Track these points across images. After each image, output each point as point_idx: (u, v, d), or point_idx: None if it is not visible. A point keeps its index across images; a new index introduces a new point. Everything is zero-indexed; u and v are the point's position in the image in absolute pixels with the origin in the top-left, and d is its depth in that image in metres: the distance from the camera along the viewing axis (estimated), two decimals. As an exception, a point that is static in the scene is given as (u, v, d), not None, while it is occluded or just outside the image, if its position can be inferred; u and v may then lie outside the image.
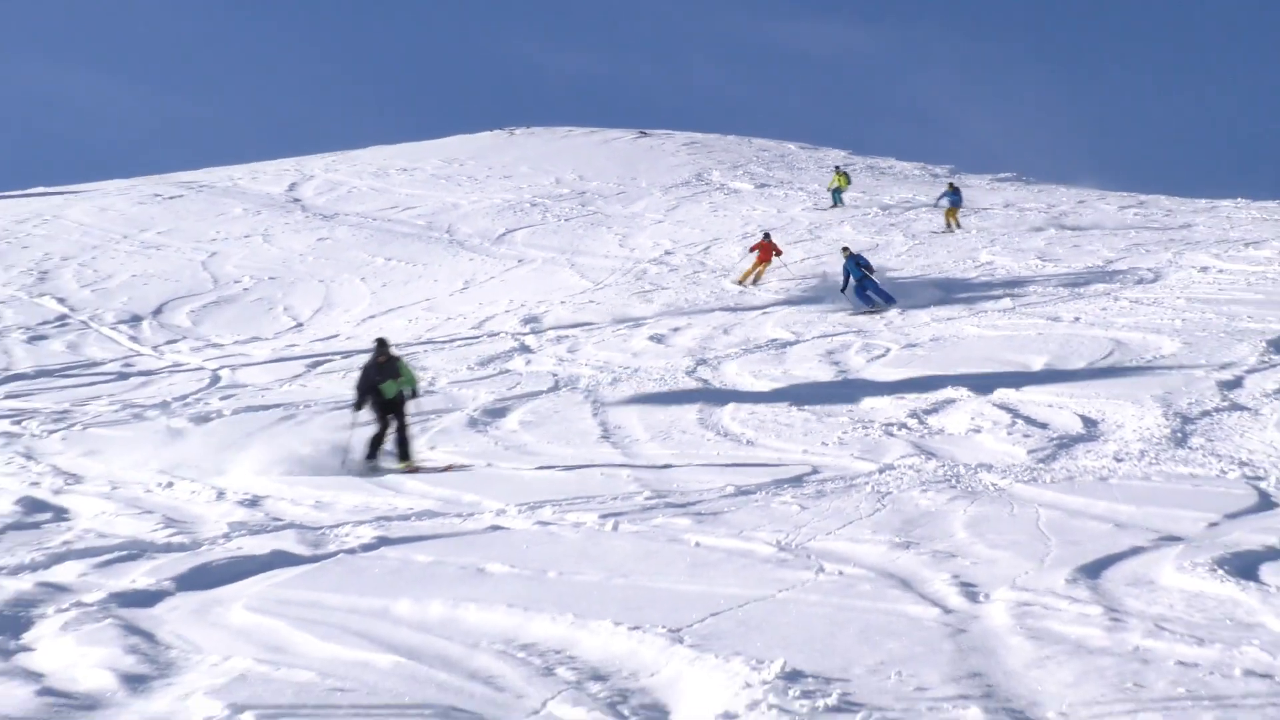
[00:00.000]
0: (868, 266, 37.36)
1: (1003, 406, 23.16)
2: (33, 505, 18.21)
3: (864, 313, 35.99)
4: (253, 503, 18.48)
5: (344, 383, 30.10)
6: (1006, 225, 49.70)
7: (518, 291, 43.19)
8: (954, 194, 51.28)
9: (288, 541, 15.64)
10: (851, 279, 37.09)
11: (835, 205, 57.02)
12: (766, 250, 42.87)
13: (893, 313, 34.96)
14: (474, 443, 23.18)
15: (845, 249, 39.19)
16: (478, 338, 36.18)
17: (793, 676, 9.64)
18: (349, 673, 10.09)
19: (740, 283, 41.95)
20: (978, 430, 21.69)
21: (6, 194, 71.59)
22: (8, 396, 30.30)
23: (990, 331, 30.84)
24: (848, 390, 25.87)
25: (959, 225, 49.99)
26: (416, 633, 11.34)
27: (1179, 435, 20.53)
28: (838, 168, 61.01)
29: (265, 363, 34.78)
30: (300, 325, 41.50)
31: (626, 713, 9.24)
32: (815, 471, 19.34)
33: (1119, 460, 18.99)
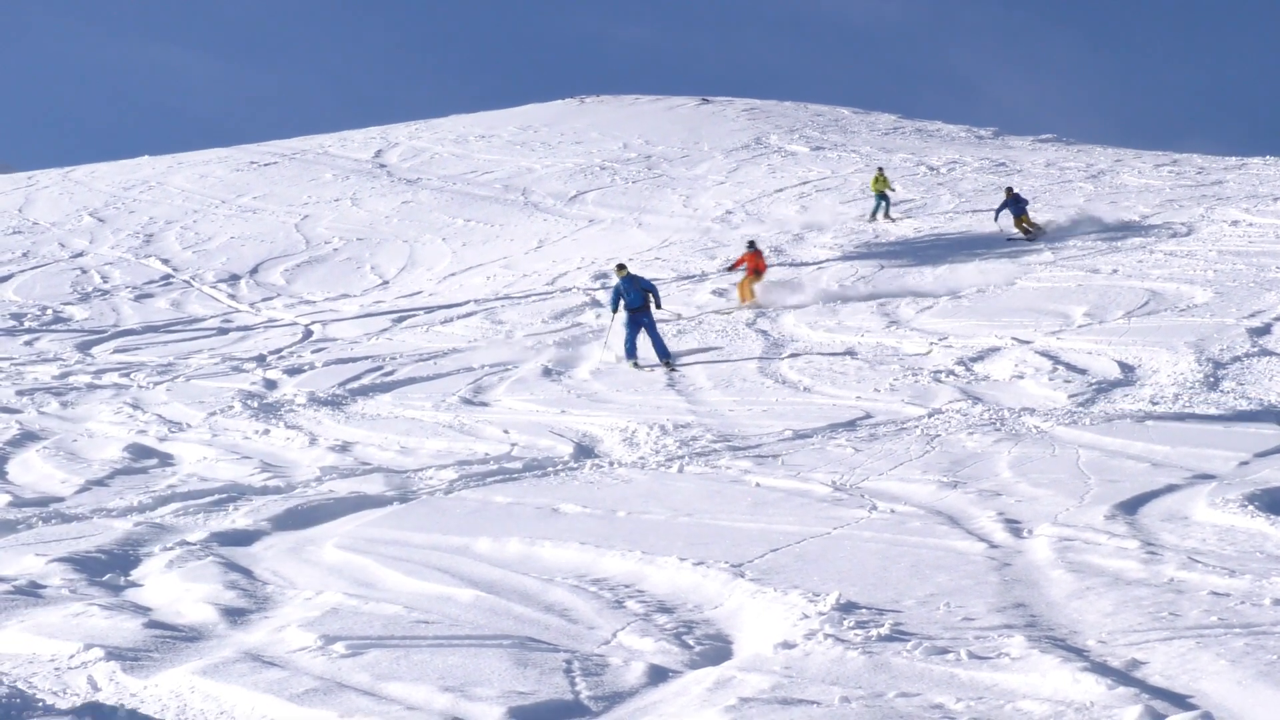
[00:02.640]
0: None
1: (1044, 354, 23.04)
2: (140, 451, 18.33)
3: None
4: (343, 448, 18.56)
5: (426, 336, 30.23)
6: (1048, 183, 49.26)
7: (588, 250, 43.14)
8: (1015, 202, 39.97)
9: (375, 484, 15.72)
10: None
11: (876, 215, 44.49)
12: (752, 261, 33.45)
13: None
14: (548, 391, 23.21)
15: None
16: (551, 293, 36.22)
17: (847, 608, 9.60)
18: (433, 606, 10.12)
19: (744, 304, 32.53)
20: (1021, 376, 21.59)
21: (115, 163, 72.03)
22: (117, 351, 30.53)
23: (1032, 283, 30.65)
24: (900, 339, 25.77)
25: (1035, 227, 39.57)
26: (495, 569, 11.36)
27: (1211, 380, 20.37)
28: (880, 170, 47.33)
29: (354, 318, 34.91)
30: (386, 283, 41.61)
31: (691, 643, 9.24)
32: (868, 416, 19.29)
33: (1154, 403, 18.87)
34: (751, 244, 34.68)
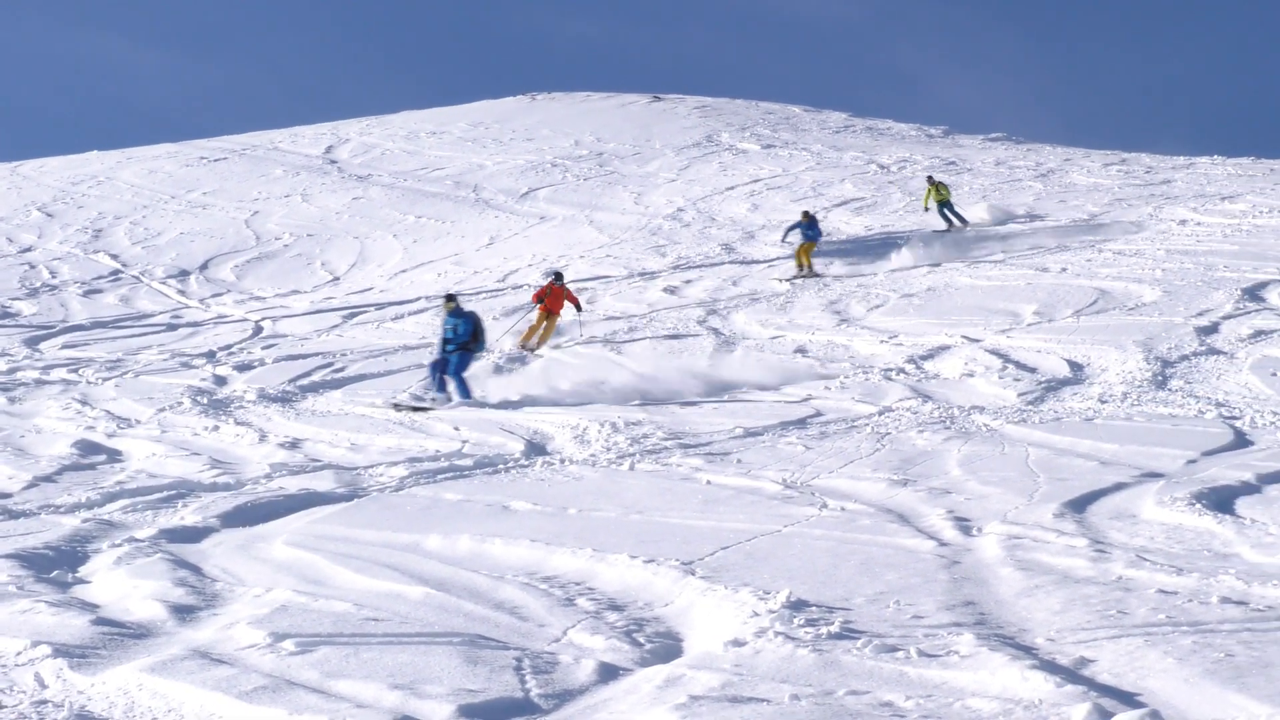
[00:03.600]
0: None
1: (994, 352, 23.16)
2: (88, 448, 18.20)
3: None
4: (293, 445, 18.48)
5: (377, 333, 30.12)
6: (997, 182, 49.49)
7: (539, 247, 43.14)
8: (809, 225, 35.92)
9: (325, 481, 15.64)
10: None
11: (950, 225, 41.34)
12: (556, 299, 28.69)
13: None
14: (499, 386, 23.17)
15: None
16: (503, 290, 36.19)
17: (797, 606, 9.61)
18: (382, 604, 10.08)
19: (523, 346, 28.17)
20: (971, 374, 21.68)
21: (63, 156, 71.56)
22: (65, 346, 30.33)
23: (982, 281, 30.78)
24: (848, 337, 25.83)
25: (810, 267, 35.23)
26: (445, 566, 11.32)
27: (1159, 378, 20.50)
28: (930, 178, 44.03)
29: (304, 314, 34.79)
30: (337, 279, 41.50)
31: (642, 640, 9.22)
32: (818, 414, 19.33)
33: (1103, 402, 18.96)
34: (558, 276, 29.28)
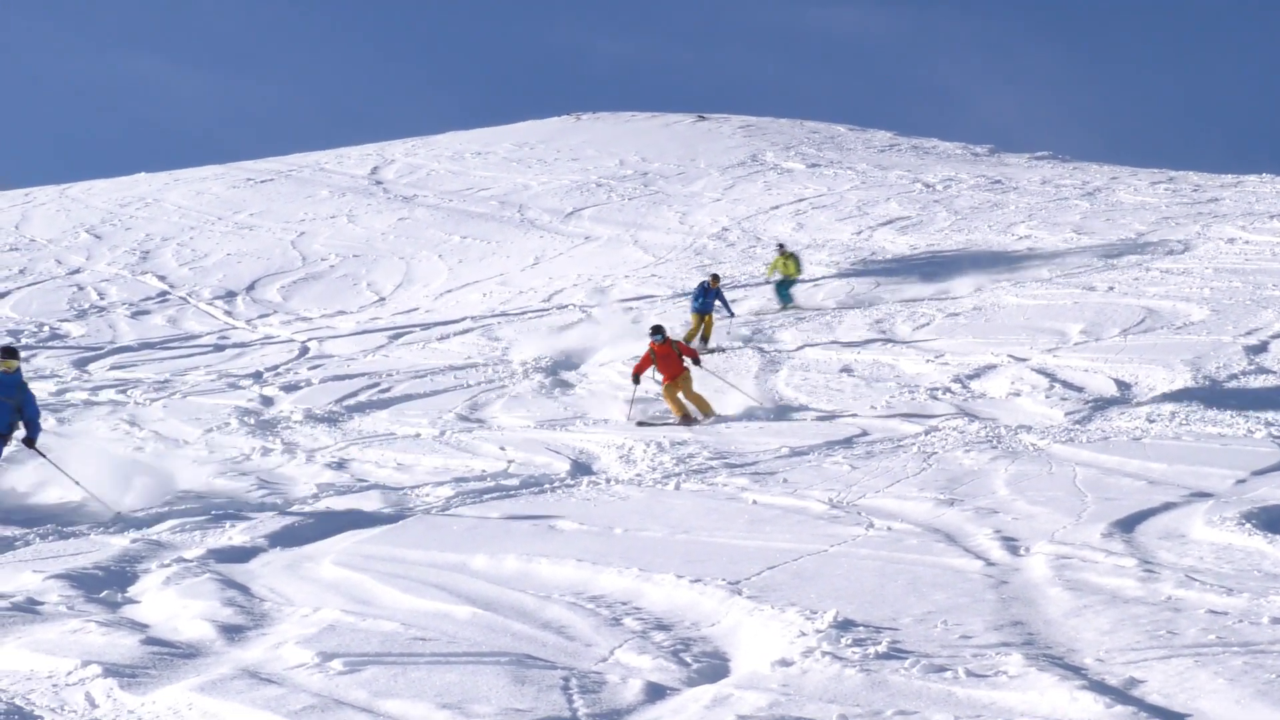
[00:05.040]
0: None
1: (1041, 371, 23.04)
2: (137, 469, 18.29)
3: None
4: (339, 465, 18.56)
5: (423, 353, 30.20)
6: (1043, 201, 49.32)
7: (585, 267, 43.16)
8: (702, 296, 30.31)
9: (372, 501, 15.72)
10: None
11: (783, 304, 34.48)
12: (670, 362, 22.91)
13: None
14: (544, 408, 23.22)
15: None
16: (548, 310, 36.21)
17: (845, 625, 9.60)
18: (430, 623, 10.11)
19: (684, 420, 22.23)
20: (1017, 394, 21.60)
21: (111, 179, 72.02)
22: (114, 368, 30.48)
23: (1029, 300, 30.65)
24: (894, 356, 25.77)
25: (706, 341, 29.81)
26: (492, 586, 11.35)
27: (1208, 398, 20.38)
28: (781, 246, 37.04)
29: (350, 335, 34.88)
30: (382, 300, 41.59)
31: (689, 660, 9.23)
32: (864, 433, 19.30)
33: (1151, 421, 18.86)
34: (655, 330, 23.32)
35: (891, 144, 72.76)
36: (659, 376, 23.05)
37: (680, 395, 22.71)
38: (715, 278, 30.94)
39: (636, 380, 23.27)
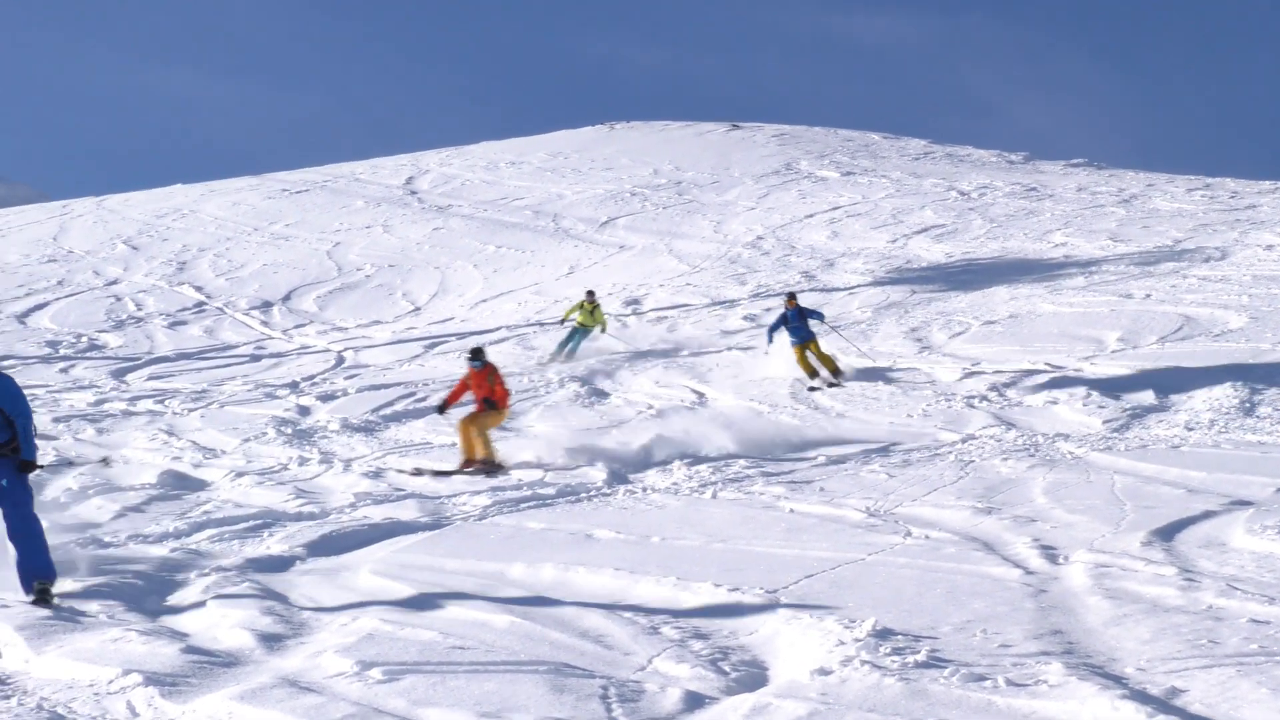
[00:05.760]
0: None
1: (1078, 379, 22.97)
2: (175, 478, 18.38)
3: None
4: (376, 475, 18.58)
5: (458, 363, 30.25)
6: (1079, 208, 49.18)
7: (619, 276, 43.23)
8: (795, 319, 26.48)
9: (409, 510, 15.73)
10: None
11: (560, 351, 31.64)
12: (483, 385, 20.45)
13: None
14: (580, 417, 23.24)
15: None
16: (583, 319, 36.22)
17: (883, 634, 9.57)
18: (468, 632, 10.11)
19: (464, 467, 19.35)
20: (1054, 402, 21.54)
21: (148, 191, 72.38)
22: (151, 378, 30.63)
23: (1065, 308, 30.56)
24: (931, 364, 25.71)
25: (829, 366, 25.74)
26: (530, 594, 11.36)
27: (1247, 405, 20.28)
28: (590, 294, 33.35)
29: (386, 345, 34.99)
30: (418, 309, 41.72)
31: (727, 669, 9.21)
32: (901, 442, 19.27)
33: (1190, 429, 18.79)
34: (475, 354, 20.98)
35: (926, 152, 72.70)
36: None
37: (474, 432, 19.62)
38: (792, 296, 26.95)
39: (442, 411, 20.88)
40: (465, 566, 12.51)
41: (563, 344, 31.81)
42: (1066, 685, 8.33)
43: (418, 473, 18.85)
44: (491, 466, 19.17)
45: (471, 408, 20.25)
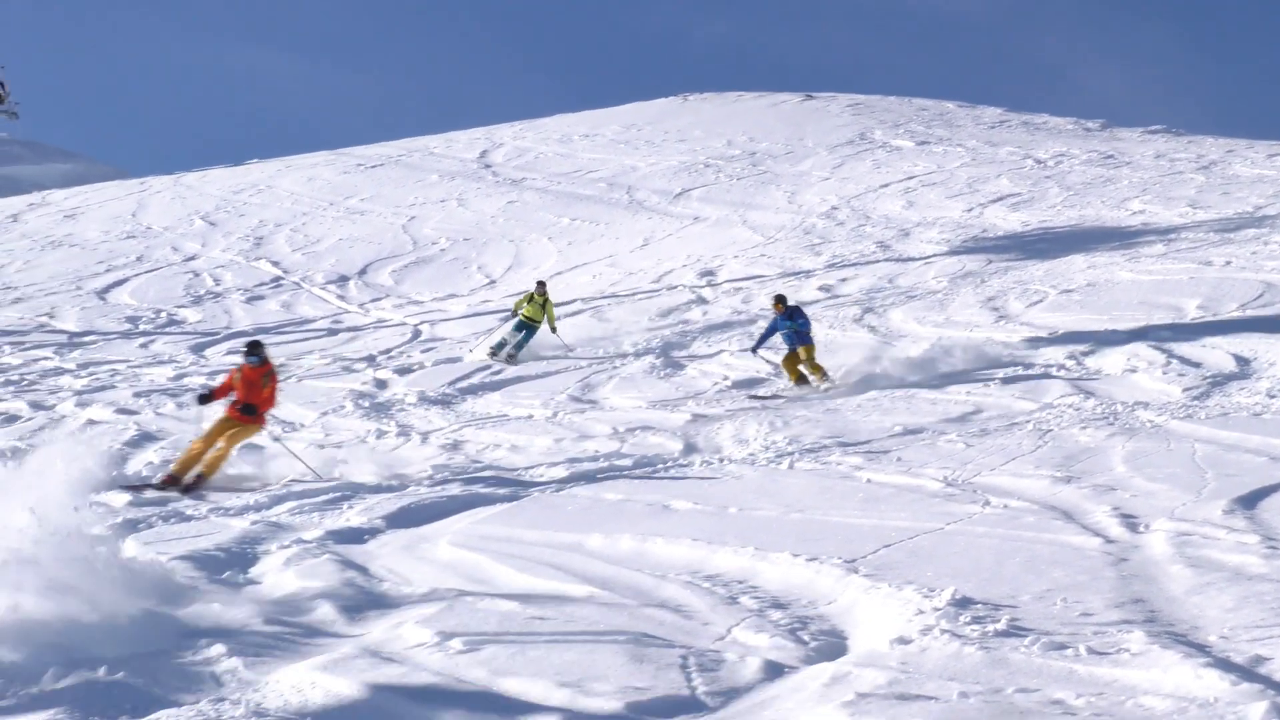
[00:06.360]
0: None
1: (1157, 347, 22.75)
2: (254, 452, 18.51)
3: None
4: (453, 447, 18.67)
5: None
6: (1157, 175, 48.71)
7: (693, 247, 43.14)
8: (790, 320, 23.84)
9: (487, 482, 15.80)
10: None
11: (502, 346, 28.53)
12: (253, 389, 17.61)
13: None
14: (655, 388, 23.25)
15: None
16: (657, 291, 36.23)
17: (963, 603, 9.55)
18: (547, 603, 10.17)
19: (167, 482, 16.66)
20: (1133, 370, 21.34)
21: (225, 167, 72.87)
22: (230, 352, 30.85)
23: (1144, 276, 30.27)
24: (1008, 334, 25.54)
25: (816, 370, 23.26)
26: (608, 565, 11.40)
27: (1330, 372, 20.06)
28: (540, 285, 30.49)
29: (462, 318, 35.10)
30: (493, 282, 41.79)
31: (806, 638, 9.22)
32: (978, 411, 19.16)
33: (1271, 396, 18.58)
34: (253, 349, 17.87)
35: (1001, 120, 72.10)
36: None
37: (224, 443, 17.23)
38: (779, 300, 24.51)
39: (204, 402, 18.00)
40: (543, 537, 12.56)
41: (505, 339, 28.55)
42: (1149, 654, 8.28)
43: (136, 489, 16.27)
44: (196, 485, 16.55)
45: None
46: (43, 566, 9.93)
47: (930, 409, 19.54)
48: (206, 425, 17.86)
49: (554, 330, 29.29)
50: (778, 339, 23.74)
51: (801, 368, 23.27)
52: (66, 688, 8.44)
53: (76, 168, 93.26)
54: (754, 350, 24.46)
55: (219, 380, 19.71)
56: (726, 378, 23.92)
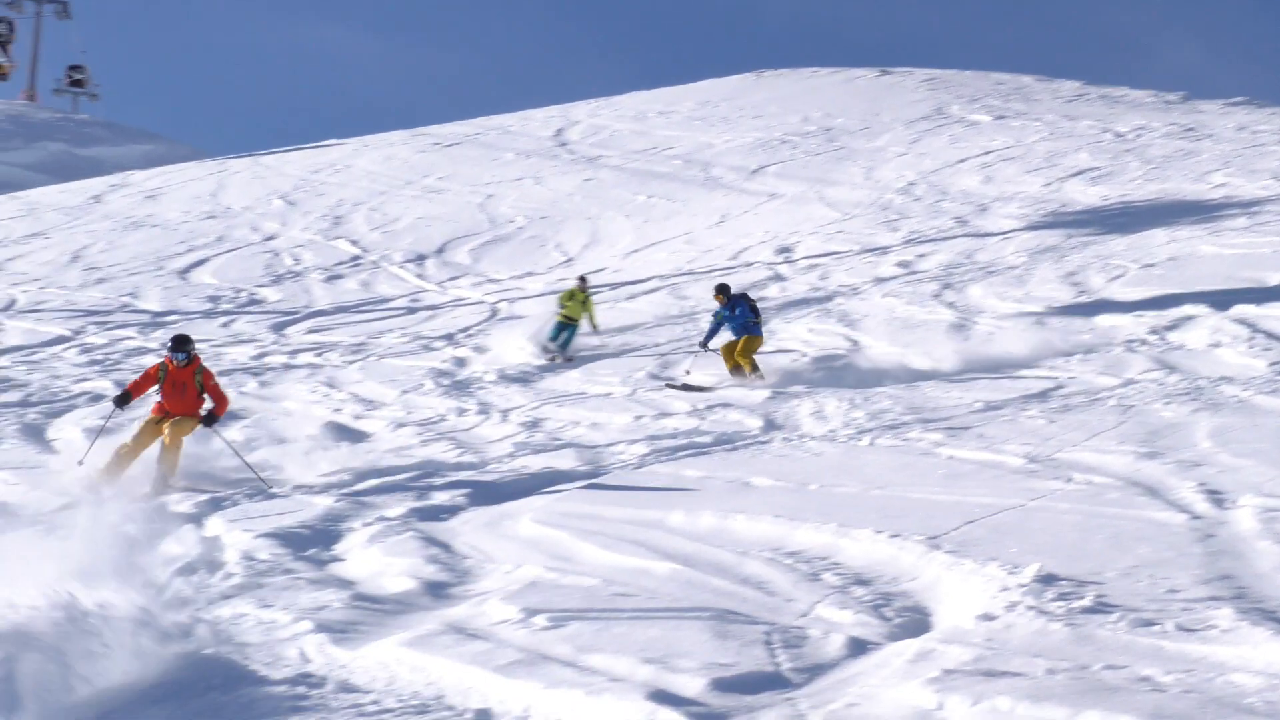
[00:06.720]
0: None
1: (1241, 321, 22.51)
2: (336, 430, 18.66)
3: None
4: (533, 424, 18.72)
5: (612, 313, 30.32)
6: (1239, 148, 48.15)
7: (770, 224, 43.01)
8: (738, 310, 22.89)
9: (567, 460, 15.86)
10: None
11: (554, 340, 26.08)
12: (177, 393, 15.80)
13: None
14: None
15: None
16: (734, 268, 36.17)
17: (1048, 580, 9.50)
18: (630, 579, 10.19)
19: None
20: (1217, 345, 21.12)
21: (303, 147, 73.27)
22: (310, 331, 31.05)
23: (1226, 250, 29.95)
24: (1089, 309, 25.35)
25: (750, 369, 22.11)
26: (690, 542, 11.41)
27: None
28: (582, 280, 28.94)
29: (539, 295, 35.16)
30: (570, 260, 41.81)
31: (890, 615, 9.21)
32: (1060, 387, 19.02)
33: (1359, 371, 18.37)
34: (179, 344, 15.98)
35: (1080, 94, 71.40)
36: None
37: (165, 441, 15.43)
38: (719, 290, 23.81)
39: (122, 403, 16.00)
40: (624, 514, 12.58)
41: (552, 337, 26.23)
42: (1238, 630, 8.22)
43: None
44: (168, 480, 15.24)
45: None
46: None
47: (1011, 385, 19.42)
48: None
49: (596, 329, 27.11)
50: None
51: (737, 356, 22.05)
52: (158, 661, 8.55)
53: (156, 148, 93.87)
54: (703, 346, 22.91)
55: (137, 377, 16.88)
56: (804, 354, 23.85)
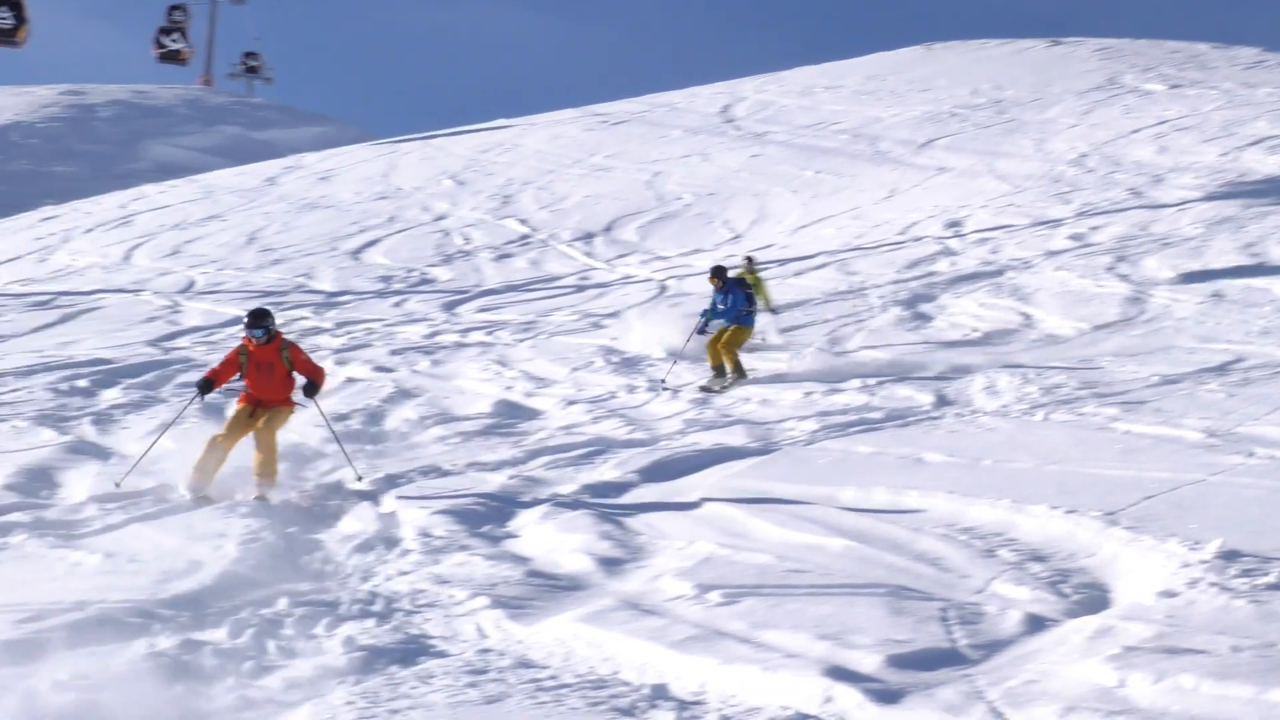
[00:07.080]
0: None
1: None
2: (508, 408, 18.82)
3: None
4: (703, 401, 18.74)
5: (780, 289, 30.27)
6: None
7: (939, 198, 42.61)
8: (726, 293, 21.55)
9: (737, 436, 15.85)
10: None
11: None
12: (264, 376, 13.96)
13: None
14: (904, 339, 23.06)
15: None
16: (903, 243, 35.90)
17: (1230, 556, 9.33)
18: (803, 555, 10.18)
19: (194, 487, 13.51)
20: (1406, 315, 20.58)
21: (472, 127, 73.89)
22: (481, 310, 31.34)
23: None
24: (1271, 280, 24.80)
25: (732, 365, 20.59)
26: (862, 518, 11.38)
27: None
28: (749, 260, 26.07)
29: (706, 273, 35.16)
30: (738, 237, 41.75)
31: (1068, 591, 9.11)
32: (1239, 360, 18.65)
33: None
34: (256, 318, 14.04)
35: (1258, 60, 69.78)
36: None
37: (258, 452, 13.81)
38: (715, 273, 22.38)
39: (205, 390, 14.01)
40: (796, 490, 12.57)
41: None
42: None
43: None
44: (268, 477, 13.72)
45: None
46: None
47: (1188, 358, 19.08)
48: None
49: (774, 311, 25.05)
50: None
51: (720, 346, 20.66)
52: (343, 634, 8.72)
53: (327, 130, 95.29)
54: (700, 332, 21.38)
55: (219, 360, 15.09)
56: (975, 329, 23.62)
